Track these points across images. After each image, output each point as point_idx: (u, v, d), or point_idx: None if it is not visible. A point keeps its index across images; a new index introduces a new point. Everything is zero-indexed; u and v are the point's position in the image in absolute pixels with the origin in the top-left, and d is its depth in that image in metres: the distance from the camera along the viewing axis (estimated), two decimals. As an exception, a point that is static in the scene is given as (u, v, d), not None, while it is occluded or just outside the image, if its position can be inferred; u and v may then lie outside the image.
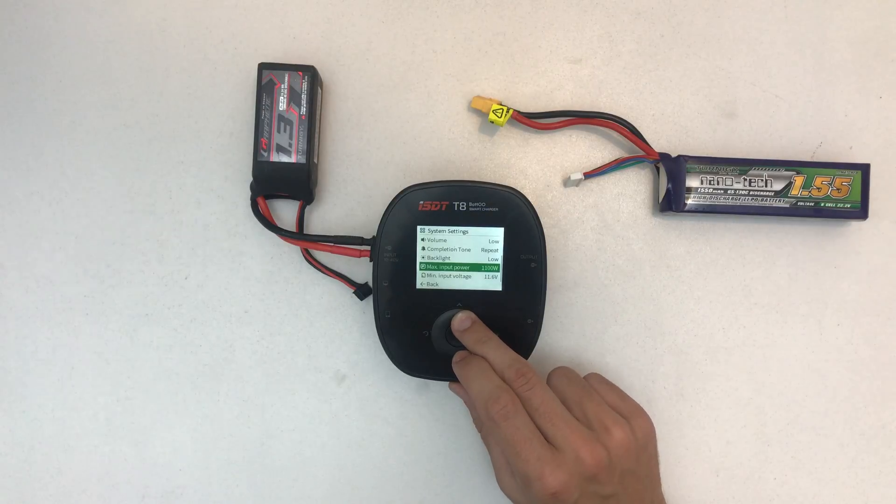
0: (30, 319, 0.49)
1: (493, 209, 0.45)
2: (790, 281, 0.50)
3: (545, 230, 0.45)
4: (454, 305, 0.45)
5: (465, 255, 0.45)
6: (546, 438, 0.38)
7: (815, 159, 0.51)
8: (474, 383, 0.41)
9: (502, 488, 0.42)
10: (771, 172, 0.48)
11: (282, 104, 0.46)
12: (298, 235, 0.48)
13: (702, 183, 0.48)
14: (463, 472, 0.49)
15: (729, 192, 0.48)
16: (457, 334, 0.44)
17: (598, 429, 0.39)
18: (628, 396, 0.43)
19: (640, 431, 0.40)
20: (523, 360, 0.41)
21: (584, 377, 0.43)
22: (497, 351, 0.42)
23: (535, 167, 0.50)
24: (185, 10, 0.50)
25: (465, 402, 0.46)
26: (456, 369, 0.43)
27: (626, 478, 0.39)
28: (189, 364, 0.49)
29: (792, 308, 0.50)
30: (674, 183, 0.48)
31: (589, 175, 0.49)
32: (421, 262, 0.45)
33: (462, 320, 0.44)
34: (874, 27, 0.51)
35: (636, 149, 0.49)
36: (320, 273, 0.49)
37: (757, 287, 0.50)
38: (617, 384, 0.44)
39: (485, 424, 0.41)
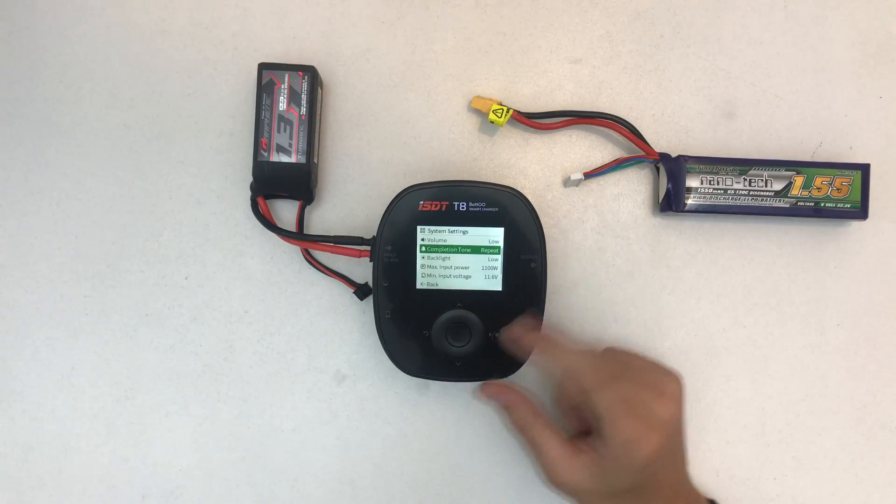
0: (30, 319, 0.49)
1: (493, 209, 0.45)
2: (790, 281, 0.50)
3: (545, 230, 0.45)
4: (454, 305, 0.45)
5: (465, 256, 0.45)
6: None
7: (815, 159, 0.51)
8: (567, 358, 0.41)
9: (559, 479, 0.41)
10: (771, 172, 0.48)
11: (282, 104, 0.46)
12: (298, 235, 0.48)
13: (702, 183, 0.48)
14: (463, 472, 0.49)
15: (729, 192, 0.48)
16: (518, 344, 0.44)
17: (655, 391, 0.40)
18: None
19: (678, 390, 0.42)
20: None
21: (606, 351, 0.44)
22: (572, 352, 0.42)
23: (535, 167, 0.50)
24: (185, 10, 0.50)
25: (502, 407, 0.44)
26: (535, 342, 0.43)
27: (679, 433, 0.41)
28: (189, 364, 0.49)
29: (792, 308, 0.50)
30: (674, 183, 0.48)
31: (589, 175, 0.49)
32: (421, 262, 0.45)
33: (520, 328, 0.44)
34: (874, 27, 0.51)
35: (636, 149, 0.49)
36: (320, 273, 0.49)
37: (757, 287, 0.50)
38: None
39: (575, 397, 0.41)
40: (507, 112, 0.48)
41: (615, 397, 0.39)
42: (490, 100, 0.49)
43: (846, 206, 0.48)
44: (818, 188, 0.48)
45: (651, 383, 0.40)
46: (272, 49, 0.50)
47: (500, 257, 0.45)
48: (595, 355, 0.41)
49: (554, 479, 0.41)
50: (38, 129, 0.49)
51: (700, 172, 0.48)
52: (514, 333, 0.44)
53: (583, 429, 0.42)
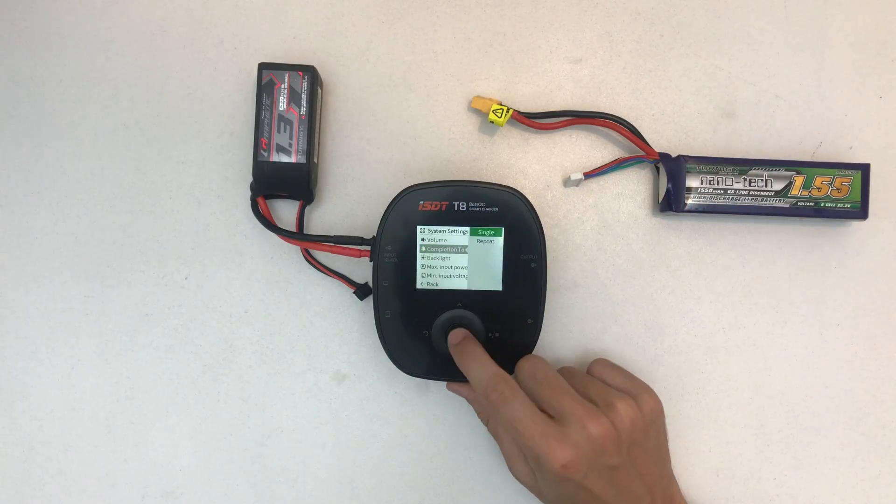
0: (30, 319, 0.49)
1: (493, 209, 0.45)
2: (790, 281, 0.50)
3: (545, 230, 0.45)
4: (454, 305, 0.45)
5: (465, 256, 0.45)
6: (550, 415, 0.39)
7: (815, 159, 0.51)
8: (472, 372, 0.42)
9: (516, 476, 0.43)
10: (771, 172, 0.48)
11: (282, 104, 0.46)
12: (298, 235, 0.48)
13: (702, 183, 0.48)
14: (463, 472, 0.49)
15: (729, 192, 0.48)
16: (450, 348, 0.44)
17: (603, 405, 0.40)
18: (635, 377, 0.44)
19: (647, 407, 0.41)
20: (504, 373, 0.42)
21: (591, 363, 0.45)
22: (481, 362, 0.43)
23: (535, 167, 0.50)
24: (185, 10, 0.50)
25: (466, 399, 0.47)
26: (454, 352, 0.44)
27: (633, 450, 0.40)
28: (189, 364, 0.49)
29: (792, 308, 0.50)
30: (674, 183, 0.48)
31: (589, 175, 0.49)
32: (421, 262, 0.45)
33: (455, 335, 0.44)
34: (874, 27, 0.51)
35: (636, 149, 0.49)
36: (320, 273, 0.49)
37: (757, 287, 0.50)
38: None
39: (489, 412, 0.42)
40: (507, 112, 0.48)
41: (505, 421, 0.39)
42: (490, 100, 0.49)
43: (846, 206, 0.48)
44: (818, 188, 0.48)
45: (591, 396, 0.40)
46: (272, 49, 0.50)
47: (500, 257, 0.45)
48: (499, 374, 0.41)
49: (511, 472, 0.43)
50: (38, 129, 0.49)
51: (700, 172, 0.48)
52: (451, 338, 0.44)
53: None
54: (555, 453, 0.37)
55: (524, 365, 0.42)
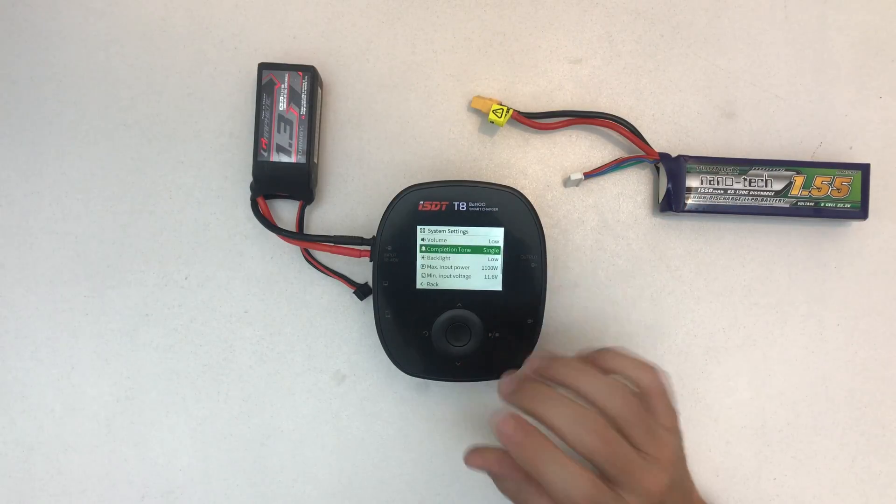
0: (30, 319, 0.49)
1: (493, 209, 0.45)
2: (790, 281, 0.50)
3: (545, 230, 0.45)
4: (454, 305, 0.45)
5: (465, 256, 0.45)
6: (607, 474, 0.36)
7: (815, 159, 0.51)
8: (558, 479, 0.35)
9: None
10: (771, 172, 0.48)
11: (282, 104, 0.46)
12: (298, 235, 0.48)
13: (702, 183, 0.48)
14: (463, 472, 0.49)
15: (729, 192, 0.48)
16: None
17: (652, 451, 0.37)
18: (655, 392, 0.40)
19: (677, 431, 0.39)
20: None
21: (602, 354, 0.41)
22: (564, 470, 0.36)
23: (535, 167, 0.50)
24: (185, 10, 0.50)
25: (492, 474, 0.41)
26: (513, 446, 0.36)
27: (681, 487, 0.39)
28: (189, 364, 0.49)
29: (792, 308, 0.50)
30: (674, 183, 0.48)
31: (589, 175, 0.49)
32: (421, 262, 0.45)
33: (506, 423, 0.37)
34: (874, 27, 0.51)
35: (636, 149, 0.49)
36: (320, 273, 0.49)
37: (757, 287, 0.50)
38: None
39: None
40: (507, 112, 0.48)
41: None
42: (490, 100, 0.49)
43: (846, 206, 0.48)
44: (818, 188, 0.48)
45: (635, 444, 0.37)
46: (272, 49, 0.50)
47: (500, 257, 0.45)
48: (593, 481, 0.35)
49: None
50: (38, 129, 0.49)
51: (700, 172, 0.48)
52: (504, 428, 0.37)
53: None
54: None
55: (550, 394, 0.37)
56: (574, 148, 0.50)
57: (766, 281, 0.50)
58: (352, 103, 0.50)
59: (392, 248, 0.45)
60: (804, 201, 0.48)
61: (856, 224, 0.51)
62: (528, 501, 0.38)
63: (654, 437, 0.37)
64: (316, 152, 0.48)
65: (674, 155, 0.49)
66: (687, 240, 0.50)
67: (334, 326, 0.49)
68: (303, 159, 0.46)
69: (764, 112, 0.51)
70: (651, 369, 0.40)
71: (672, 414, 0.40)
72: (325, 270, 0.48)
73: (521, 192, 0.45)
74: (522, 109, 0.49)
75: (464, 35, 0.50)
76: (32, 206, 0.49)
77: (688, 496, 0.41)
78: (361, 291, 0.48)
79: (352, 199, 0.50)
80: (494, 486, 0.40)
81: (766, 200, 0.48)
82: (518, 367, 0.42)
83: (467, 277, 0.45)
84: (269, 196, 0.48)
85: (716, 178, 0.48)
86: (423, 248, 0.45)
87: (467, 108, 0.50)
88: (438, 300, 0.45)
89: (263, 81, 0.46)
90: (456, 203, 0.45)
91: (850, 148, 0.51)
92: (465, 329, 0.45)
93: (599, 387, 0.37)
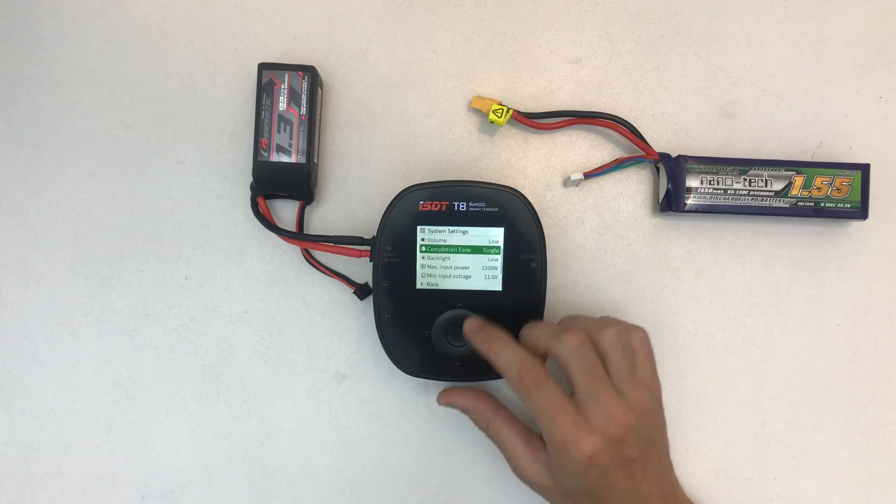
0: (30, 319, 0.49)
1: (493, 209, 0.45)
2: (790, 281, 0.50)
3: (545, 230, 0.45)
4: (454, 305, 0.45)
5: (465, 256, 0.45)
6: (579, 387, 0.39)
7: (815, 159, 0.51)
8: (502, 356, 0.41)
9: (522, 476, 0.42)
10: (771, 172, 0.48)
11: (282, 104, 0.46)
12: (298, 235, 0.48)
13: (702, 183, 0.48)
14: (463, 472, 0.49)
15: (729, 192, 0.48)
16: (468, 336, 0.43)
17: (626, 392, 0.39)
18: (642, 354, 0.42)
19: (656, 392, 0.41)
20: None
21: (601, 321, 0.42)
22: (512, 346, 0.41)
23: (535, 167, 0.50)
24: (185, 10, 0.50)
25: (462, 408, 0.46)
26: (475, 338, 0.42)
27: (646, 443, 0.40)
28: (189, 364, 0.49)
29: (792, 308, 0.50)
30: (674, 183, 0.48)
31: (589, 175, 0.49)
32: (421, 262, 0.45)
33: (472, 323, 0.43)
34: (874, 27, 0.51)
35: (636, 149, 0.49)
36: (320, 273, 0.49)
37: (757, 287, 0.50)
38: None
39: (519, 393, 0.40)
40: (507, 112, 0.48)
41: (536, 404, 0.38)
42: (490, 100, 0.49)
43: (846, 206, 0.48)
44: (818, 188, 0.48)
45: (612, 379, 0.39)
46: (272, 49, 0.50)
47: (500, 257, 0.45)
48: (530, 358, 0.40)
49: (517, 474, 0.42)
50: (38, 129, 0.49)
51: (700, 172, 0.48)
52: (469, 326, 0.43)
53: None
54: (584, 443, 0.37)
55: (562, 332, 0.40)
56: (574, 148, 0.50)
57: (766, 281, 0.50)
58: (352, 103, 0.50)
59: (392, 248, 0.45)
60: (804, 201, 0.48)
61: (856, 224, 0.51)
62: (498, 431, 0.43)
63: (633, 381, 0.40)
64: (316, 152, 0.48)
65: (674, 155, 0.49)
66: (687, 240, 0.50)
67: (334, 326, 0.49)
68: (303, 159, 0.46)
69: (764, 112, 0.51)
70: (641, 329, 0.42)
71: (653, 374, 0.42)
72: (325, 270, 0.48)
73: (521, 192, 0.45)
74: (522, 109, 0.49)
75: (464, 35, 0.50)
76: (32, 206, 0.49)
77: (672, 489, 0.42)
78: (361, 291, 0.48)
79: (352, 199, 0.50)
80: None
81: (766, 200, 0.48)
82: None
83: (467, 277, 0.45)
84: (269, 196, 0.48)
85: (716, 178, 0.48)
86: (423, 248, 0.45)
87: (467, 108, 0.50)
88: (438, 300, 0.45)
89: (263, 81, 0.46)
90: (456, 203, 0.45)
91: (850, 148, 0.51)
92: (465, 329, 0.45)
93: (594, 321, 0.42)
